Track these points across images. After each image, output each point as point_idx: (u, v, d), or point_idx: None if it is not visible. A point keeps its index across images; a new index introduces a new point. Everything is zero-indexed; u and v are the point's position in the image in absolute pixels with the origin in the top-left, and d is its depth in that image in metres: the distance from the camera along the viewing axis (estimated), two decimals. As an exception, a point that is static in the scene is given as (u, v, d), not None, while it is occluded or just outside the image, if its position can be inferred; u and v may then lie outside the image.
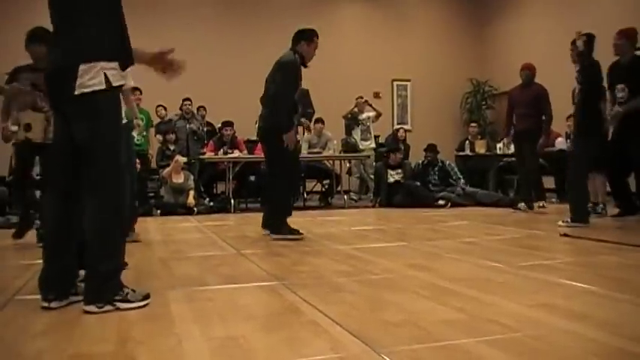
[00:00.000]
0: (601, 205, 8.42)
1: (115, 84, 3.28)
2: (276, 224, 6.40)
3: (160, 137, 11.60)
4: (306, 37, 6.87)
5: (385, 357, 2.35)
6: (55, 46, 3.45)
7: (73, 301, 3.36)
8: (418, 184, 11.09)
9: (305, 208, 11.12)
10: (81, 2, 3.33)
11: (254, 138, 12.33)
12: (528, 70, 9.15)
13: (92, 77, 3.20)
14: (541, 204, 9.01)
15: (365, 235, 6.70)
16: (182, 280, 4.12)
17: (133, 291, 3.36)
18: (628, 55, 7.39)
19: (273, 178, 6.58)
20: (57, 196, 3.43)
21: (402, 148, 12.32)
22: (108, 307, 3.22)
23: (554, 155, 10.94)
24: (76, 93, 3.19)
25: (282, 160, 6.44)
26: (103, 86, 3.23)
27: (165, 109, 12.39)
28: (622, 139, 7.27)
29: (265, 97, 6.70)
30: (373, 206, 11.09)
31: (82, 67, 3.21)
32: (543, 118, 8.97)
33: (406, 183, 10.98)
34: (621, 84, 7.31)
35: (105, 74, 3.23)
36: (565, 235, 6.10)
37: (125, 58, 3.41)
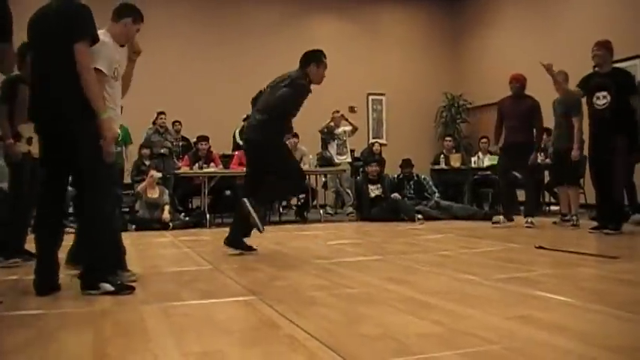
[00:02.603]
0: (574, 217, 8.47)
1: None
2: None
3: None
4: (315, 59, 6.63)
5: (363, 371, 2.34)
6: None
7: None
8: (399, 197, 11.11)
9: (281, 222, 11.10)
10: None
11: (229, 152, 12.34)
12: (518, 82, 8.98)
13: None
14: (530, 220, 8.76)
15: (341, 249, 6.70)
16: (158, 296, 4.08)
17: None
18: (607, 66, 7.51)
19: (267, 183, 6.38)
20: None
21: (379, 160, 12.36)
22: None
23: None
24: None
25: (283, 166, 6.31)
26: None
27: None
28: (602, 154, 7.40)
29: (264, 104, 6.42)
30: (356, 220, 11.09)
31: None
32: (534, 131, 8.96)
33: (389, 198, 10.99)
34: (603, 91, 7.42)
35: None
36: (540, 247, 6.13)
37: None
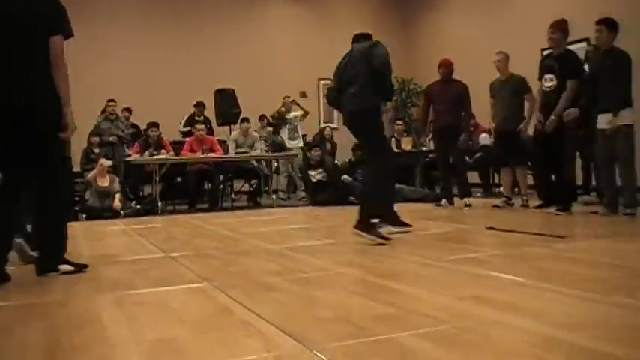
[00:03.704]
0: (524, 197, 8.60)
1: None
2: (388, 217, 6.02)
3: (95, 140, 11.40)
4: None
5: (318, 353, 2.35)
6: None
7: None
8: (349, 179, 11.16)
9: (233, 208, 11.07)
10: None
11: (179, 139, 12.27)
12: (446, 67, 9.22)
13: None
14: (468, 202, 9.07)
15: (294, 234, 6.72)
16: (111, 285, 4.05)
17: None
18: (561, 47, 7.63)
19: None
20: None
21: (323, 145, 12.43)
22: None
23: (479, 151, 11.20)
24: None
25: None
26: None
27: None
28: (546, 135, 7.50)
29: (356, 76, 5.97)
30: (308, 205, 11.07)
31: None
32: (462, 114, 9.17)
33: (338, 181, 11.04)
34: (550, 74, 7.53)
35: None
36: (491, 228, 6.21)
37: None
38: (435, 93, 9.30)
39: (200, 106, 12.55)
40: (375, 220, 5.69)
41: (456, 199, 9.28)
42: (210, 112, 12.54)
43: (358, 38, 6.52)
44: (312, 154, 11.33)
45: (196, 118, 12.44)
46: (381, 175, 5.81)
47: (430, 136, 9.82)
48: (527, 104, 8.46)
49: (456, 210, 8.84)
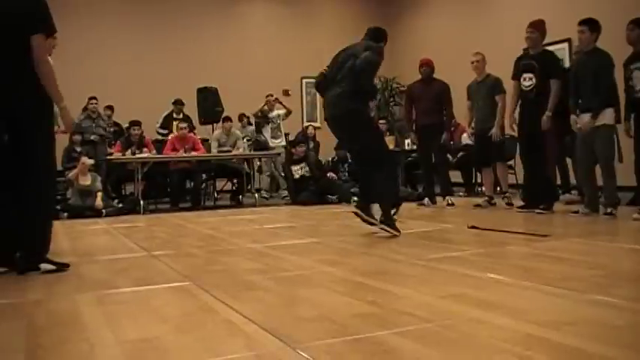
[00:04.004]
0: (507, 193, 8.64)
1: None
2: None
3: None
4: (386, 39, 6.68)
5: (301, 352, 2.35)
6: None
7: None
8: (335, 176, 11.19)
9: (216, 207, 11.05)
10: None
11: (161, 137, 12.23)
12: (427, 66, 9.28)
13: None
14: (450, 201, 9.12)
15: (277, 233, 6.71)
16: (92, 284, 4.03)
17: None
18: (538, 47, 7.68)
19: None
20: None
21: (307, 143, 12.44)
22: None
23: (461, 150, 11.24)
24: None
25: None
26: None
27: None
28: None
29: (342, 78, 6.11)
30: (291, 203, 11.05)
31: None
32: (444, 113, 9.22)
33: (322, 179, 11.06)
34: (529, 73, 7.56)
35: None
36: (473, 227, 6.23)
37: None
38: (416, 92, 9.36)
39: (178, 104, 12.49)
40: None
41: (439, 198, 9.32)
42: (192, 111, 12.49)
43: (366, 33, 6.75)
44: (297, 149, 11.33)
45: (175, 116, 12.40)
46: (390, 178, 6.30)
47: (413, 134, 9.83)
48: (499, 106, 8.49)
49: (439, 209, 8.88)
